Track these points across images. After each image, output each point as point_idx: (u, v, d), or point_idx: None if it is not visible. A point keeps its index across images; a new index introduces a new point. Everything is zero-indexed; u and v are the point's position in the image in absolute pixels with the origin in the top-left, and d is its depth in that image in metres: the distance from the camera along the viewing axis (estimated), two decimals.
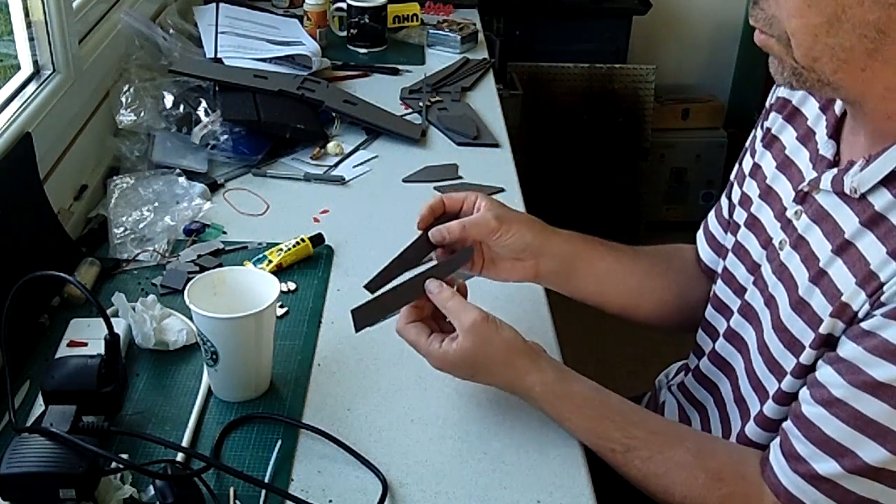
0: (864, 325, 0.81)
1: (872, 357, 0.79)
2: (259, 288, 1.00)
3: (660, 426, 0.98)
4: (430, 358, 0.97)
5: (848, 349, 0.82)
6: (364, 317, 0.99)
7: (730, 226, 1.10)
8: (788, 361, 0.91)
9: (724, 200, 1.15)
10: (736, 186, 1.11)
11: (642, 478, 0.93)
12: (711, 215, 1.18)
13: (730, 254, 1.06)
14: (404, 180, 1.51)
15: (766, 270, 0.97)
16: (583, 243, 1.11)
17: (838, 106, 0.93)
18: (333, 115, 1.68)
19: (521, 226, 1.05)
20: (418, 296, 0.98)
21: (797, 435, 0.85)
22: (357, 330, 0.99)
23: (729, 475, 0.91)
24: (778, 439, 0.88)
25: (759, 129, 1.08)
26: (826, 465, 0.82)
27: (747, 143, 1.11)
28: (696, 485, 0.91)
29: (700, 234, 1.19)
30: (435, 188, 1.48)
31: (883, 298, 0.80)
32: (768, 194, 1.01)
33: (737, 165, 1.13)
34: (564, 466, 0.93)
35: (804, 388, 0.87)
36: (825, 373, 0.84)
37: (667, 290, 1.16)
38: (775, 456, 0.88)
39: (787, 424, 0.87)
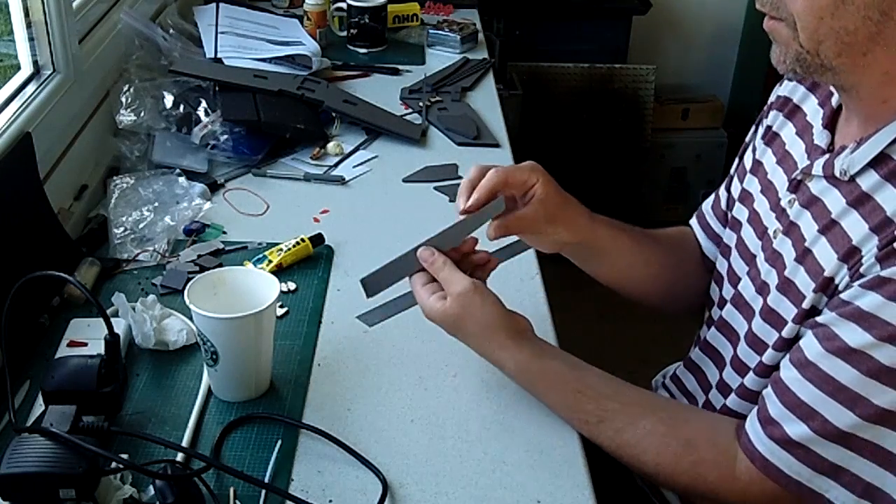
0: (843, 295, 0.83)
1: (847, 323, 0.81)
2: (259, 288, 1.00)
3: (633, 398, 0.98)
4: (421, 307, 1.00)
5: (826, 316, 0.84)
6: (375, 284, 1.00)
7: (729, 222, 1.11)
8: (771, 336, 0.93)
9: (722, 192, 1.16)
10: (736, 181, 1.12)
11: (615, 447, 0.95)
12: (707, 206, 1.20)
13: (733, 250, 1.06)
14: (404, 180, 1.51)
15: (760, 259, 0.99)
16: (613, 237, 1.13)
17: (835, 99, 0.95)
18: (333, 115, 1.68)
19: (563, 229, 1.06)
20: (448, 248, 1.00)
21: (772, 398, 0.87)
22: (368, 296, 1.00)
23: (700, 442, 0.92)
24: (756, 407, 0.90)
25: (759, 125, 1.10)
26: (797, 428, 0.84)
27: (747, 139, 1.13)
28: (667, 452, 0.92)
29: (696, 225, 1.21)
30: (435, 188, 1.48)
31: (862, 270, 0.82)
32: (767, 188, 1.02)
33: (737, 160, 1.14)
34: (564, 466, 0.93)
35: (786, 355, 0.89)
36: (805, 339, 0.86)
37: (673, 280, 1.19)
38: (751, 421, 0.89)
39: (766, 391, 0.89)
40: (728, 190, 1.14)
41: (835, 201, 0.88)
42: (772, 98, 1.09)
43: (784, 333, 0.91)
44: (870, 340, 0.79)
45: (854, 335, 0.80)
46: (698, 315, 1.18)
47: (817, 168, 0.91)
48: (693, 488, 0.93)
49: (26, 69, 1.37)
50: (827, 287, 0.86)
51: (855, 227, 0.85)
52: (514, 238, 1.13)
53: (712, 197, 1.20)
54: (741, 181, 1.10)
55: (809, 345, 0.84)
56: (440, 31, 2.11)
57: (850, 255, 0.84)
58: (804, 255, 0.90)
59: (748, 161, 1.09)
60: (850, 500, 0.84)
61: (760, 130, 1.09)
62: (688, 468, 0.91)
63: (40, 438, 0.80)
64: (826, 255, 0.87)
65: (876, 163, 0.85)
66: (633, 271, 1.16)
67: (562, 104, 2.97)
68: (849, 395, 0.80)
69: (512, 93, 2.76)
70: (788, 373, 0.86)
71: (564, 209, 1.06)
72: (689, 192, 3.17)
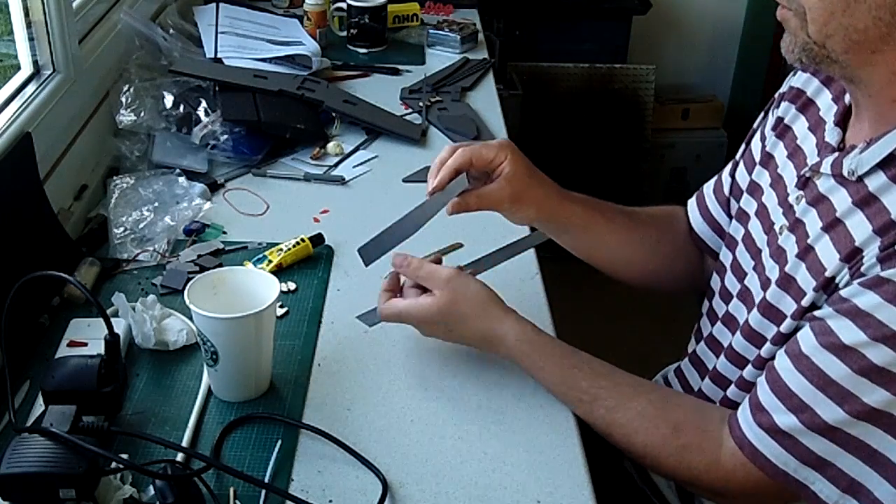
0: (842, 292, 0.83)
1: (843, 319, 0.81)
2: (259, 288, 1.00)
3: (626, 379, 0.99)
4: (413, 311, 1.02)
5: (824, 311, 0.84)
6: (371, 252, 1.06)
7: (736, 213, 1.10)
8: (769, 330, 0.94)
9: (725, 177, 1.16)
10: (743, 169, 1.11)
11: (606, 427, 0.96)
12: (709, 188, 1.19)
13: (739, 243, 1.06)
14: (404, 180, 1.51)
15: (765, 255, 0.99)
16: (585, 215, 1.13)
17: (848, 96, 0.94)
18: (333, 115, 1.68)
19: (530, 207, 1.07)
20: (418, 226, 1.04)
21: (764, 386, 0.88)
22: (367, 264, 1.06)
23: (688, 427, 0.93)
24: (749, 395, 0.91)
25: (769, 114, 1.09)
26: (786, 419, 0.85)
27: (755, 124, 1.12)
28: (656, 434, 0.94)
29: (693, 205, 1.21)
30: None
31: (863, 269, 0.82)
32: (777, 182, 1.02)
33: (743, 145, 1.13)
34: (564, 466, 0.93)
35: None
36: (802, 331, 0.86)
37: (654, 259, 1.20)
38: (743, 409, 0.90)
39: (760, 378, 0.90)
40: (732, 175, 1.14)
41: (841, 200, 0.88)
42: (784, 88, 1.08)
43: (782, 328, 0.91)
44: (864, 339, 0.79)
45: (849, 332, 0.80)
46: (691, 300, 1.19)
47: (826, 166, 0.91)
48: (678, 472, 0.94)
49: (26, 69, 1.37)
50: (827, 286, 0.87)
51: (859, 227, 0.84)
52: (515, 238, 1.14)
53: (714, 179, 1.19)
54: (749, 171, 1.09)
55: (805, 337, 0.85)
56: (440, 31, 2.11)
57: (852, 255, 0.84)
58: (806, 252, 0.90)
59: (756, 150, 1.09)
60: (834, 495, 0.85)
61: (770, 119, 1.08)
62: (674, 452, 0.92)
63: (40, 438, 0.80)
64: (828, 254, 0.87)
65: (884, 164, 0.84)
66: (606, 249, 1.17)
67: (562, 104, 2.96)
68: (838, 391, 0.81)
69: (512, 93, 2.76)
70: (782, 362, 0.87)
71: (531, 188, 1.06)
72: (689, 192, 3.12)
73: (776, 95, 1.09)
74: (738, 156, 1.14)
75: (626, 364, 1.00)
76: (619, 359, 1.01)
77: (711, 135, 3.14)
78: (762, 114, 1.12)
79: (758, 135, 1.10)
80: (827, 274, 0.86)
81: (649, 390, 0.99)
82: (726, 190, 1.15)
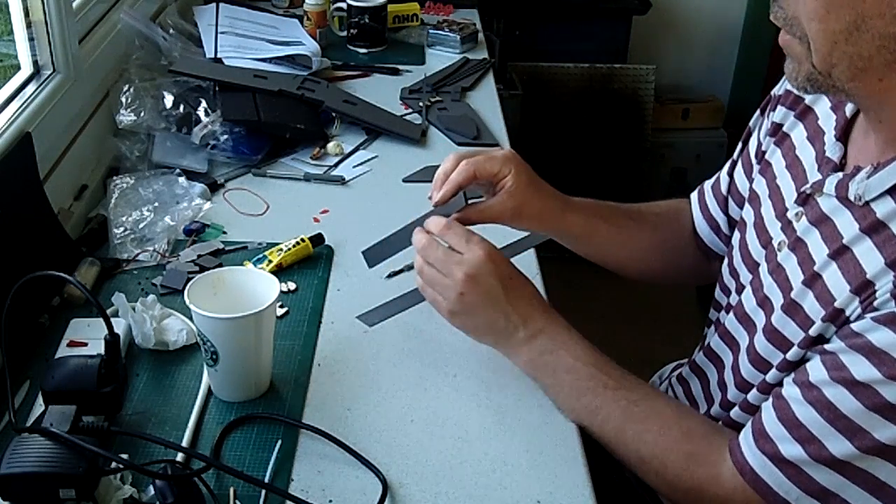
0: (853, 325, 0.82)
1: (856, 355, 0.80)
2: (259, 288, 1.00)
3: (645, 383, 1.00)
4: (457, 259, 0.99)
5: (835, 345, 0.83)
6: (375, 255, 1.09)
7: (738, 222, 1.10)
8: (775, 357, 0.92)
9: (723, 176, 1.16)
10: (742, 173, 1.11)
11: (622, 421, 0.95)
12: (708, 185, 1.20)
13: (737, 252, 1.06)
14: (404, 180, 1.51)
15: (763, 270, 0.98)
16: (587, 224, 1.14)
17: (849, 107, 0.92)
18: (333, 115, 1.68)
19: (531, 220, 1.09)
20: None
21: (770, 413, 0.87)
22: (371, 266, 1.11)
23: (698, 436, 0.93)
24: (752, 419, 0.90)
25: (766, 117, 1.08)
26: (792, 449, 0.84)
27: (751, 123, 1.11)
28: (668, 436, 0.93)
29: (695, 200, 1.22)
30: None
31: (875, 304, 0.80)
32: (774, 193, 1.01)
33: (740, 144, 1.13)
34: (564, 466, 0.93)
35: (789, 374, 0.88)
36: (811, 362, 0.85)
37: (659, 257, 1.21)
38: (745, 433, 0.89)
39: (765, 403, 0.89)
40: (730, 175, 1.14)
41: (846, 225, 0.86)
42: (780, 90, 1.06)
43: (789, 356, 0.89)
44: (878, 377, 0.77)
45: (862, 369, 0.78)
46: (690, 301, 1.19)
47: (829, 186, 0.89)
48: (681, 479, 0.92)
49: (26, 69, 1.37)
50: (836, 318, 0.85)
51: (868, 257, 0.82)
52: (515, 238, 1.14)
53: (715, 177, 1.19)
54: (748, 174, 1.09)
55: (815, 369, 0.83)
56: (440, 31, 2.11)
57: (862, 288, 0.82)
58: (813, 280, 0.88)
59: (754, 152, 1.08)
60: None
61: (766, 123, 1.07)
62: (682, 457, 0.92)
63: (40, 438, 0.80)
64: (837, 283, 0.85)
65: (893, 190, 0.82)
66: (609, 253, 1.18)
67: (562, 104, 2.97)
68: (849, 425, 0.79)
69: (512, 93, 2.76)
70: (791, 392, 0.85)
71: (533, 201, 1.07)
72: (689, 192, 3.14)
73: (772, 95, 1.07)
74: (735, 155, 1.14)
75: (626, 364, 1.00)
76: (619, 359, 1.01)
77: (711, 135, 3.14)
78: (758, 111, 1.10)
79: (754, 136, 1.10)
80: (836, 304, 0.84)
81: (665, 395, 1.00)
82: (724, 189, 1.15)
